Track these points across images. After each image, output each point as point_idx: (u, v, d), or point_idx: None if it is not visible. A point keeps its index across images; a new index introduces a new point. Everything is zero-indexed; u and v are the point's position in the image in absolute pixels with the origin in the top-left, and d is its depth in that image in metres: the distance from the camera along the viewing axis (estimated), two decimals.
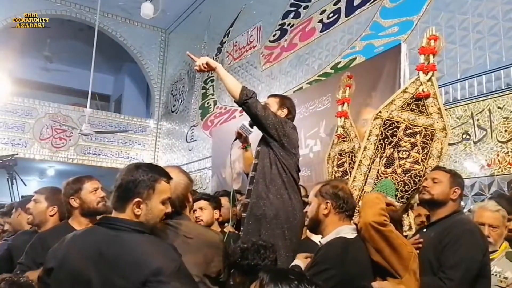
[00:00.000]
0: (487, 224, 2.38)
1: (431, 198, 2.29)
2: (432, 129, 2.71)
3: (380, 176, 2.75)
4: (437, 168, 2.46)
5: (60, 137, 9.00)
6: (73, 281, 1.47)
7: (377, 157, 2.79)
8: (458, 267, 2.02)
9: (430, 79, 2.80)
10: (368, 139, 2.85)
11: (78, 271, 1.47)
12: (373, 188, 2.75)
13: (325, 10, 5.47)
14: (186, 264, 1.61)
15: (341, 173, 3.28)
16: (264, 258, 1.96)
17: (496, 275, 2.26)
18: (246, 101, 2.59)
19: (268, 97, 3.00)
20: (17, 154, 7.05)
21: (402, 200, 2.67)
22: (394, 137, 2.76)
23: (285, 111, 2.89)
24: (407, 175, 2.68)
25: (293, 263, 2.08)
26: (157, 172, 1.63)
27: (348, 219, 2.01)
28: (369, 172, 2.78)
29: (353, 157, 3.24)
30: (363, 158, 2.83)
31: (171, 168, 1.93)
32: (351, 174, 3.06)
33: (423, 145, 2.70)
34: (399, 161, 2.72)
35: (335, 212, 1.98)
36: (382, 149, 2.78)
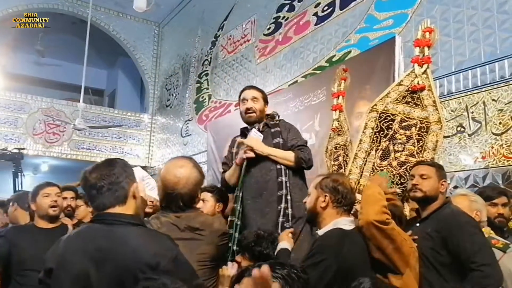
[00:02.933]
0: None
1: (424, 195, 2.28)
2: (427, 122, 2.71)
3: (376, 168, 2.75)
4: (420, 163, 2.44)
5: (54, 132, 8.94)
6: (73, 279, 1.48)
7: (372, 150, 2.78)
8: (482, 251, 2.02)
9: (425, 72, 2.78)
10: (363, 132, 2.84)
11: (77, 269, 1.48)
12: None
13: (319, 3, 5.45)
14: (202, 255, 1.80)
15: (336, 167, 3.28)
16: (272, 248, 1.99)
17: None
18: (301, 165, 2.74)
19: (250, 89, 2.96)
20: (24, 149, 7.07)
21: (411, 196, 2.66)
22: (390, 130, 2.76)
23: (267, 107, 2.95)
24: (402, 167, 2.68)
25: (280, 247, 2.07)
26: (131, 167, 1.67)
27: (346, 213, 2.01)
28: (364, 165, 2.77)
29: (346, 150, 3.25)
30: (359, 151, 2.82)
31: (184, 161, 1.98)
32: (345, 167, 3.07)
33: (418, 137, 2.69)
34: (395, 153, 2.72)
35: (333, 206, 1.98)
36: (378, 142, 2.77)
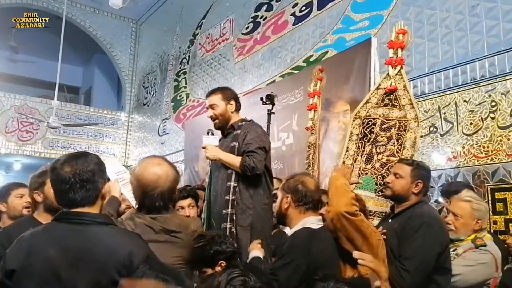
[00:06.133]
0: (452, 211, 2.46)
1: (392, 194, 2.33)
2: (405, 120, 2.77)
3: (361, 173, 2.78)
4: (400, 161, 2.46)
5: (27, 130, 8.73)
6: (40, 281, 1.41)
7: (358, 155, 2.82)
8: (413, 258, 2.05)
9: (399, 73, 2.84)
10: (349, 139, 2.88)
11: (45, 270, 1.41)
12: (355, 186, 2.77)
13: (297, 3, 5.48)
14: (177, 258, 1.76)
15: (307, 165, 3.32)
16: (221, 242, 2.02)
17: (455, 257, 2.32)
18: (246, 172, 2.62)
19: (209, 95, 2.91)
20: None
21: (382, 193, 2.70)
22: (372, 134, 2.81)
23: (233, 103, 2.85)
24: (384, 168, 2.72)
25: (251, 256, 2.09)
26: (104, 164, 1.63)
27: (310, 211, 2.02)
28: (352, 171, 2.80)
29: (315, 149, 3.30)
30: (346, 158, 2.86)
31: (159, 159, 1.94)
32: (313, 165, 3.14)
33: (398, 137, 2.74)
34: (377, 156, 2.77)
35: (295, 206, 2.00)
36: (362, 147, 2.82)
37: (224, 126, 2.86)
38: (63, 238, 1.46)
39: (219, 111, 2.82)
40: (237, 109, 2.87)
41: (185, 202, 2.91)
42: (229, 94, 2.87)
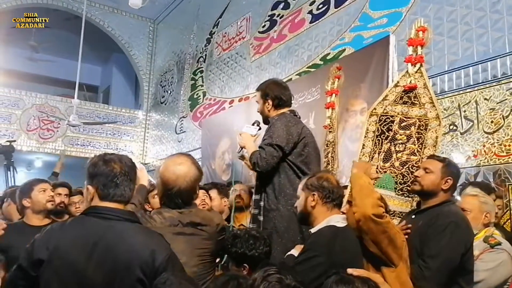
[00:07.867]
0: (460, 208, 2.43)
1: (421, 189, 2.28)
2: (425, 119, 2.74)
3: (379, 171, 2.75)
4: (431, 157, 2.43)
5: (48, 128, 8.90)
6: (67, 272, 1.47)
7: (375, 153, 2.80)
8: (437, 257, 2.03)
9: (418, 70, 2.81)
10: (365, 137, 2.86)
11: (72, 262, 1.47)
12: (374, 184, 2.75)
13: (314, 1, 5.46)
14: (203, 250, 1.86)
15: (325, 163, 3.32)
16: (252, 248, 2.01)
17: None
18: (254, 168, 2.54)
19: (257, 90, 2.85)
20: (15, 141, 7.03)
21: (402, 192, 2.68)
22: (390, 132, 2.77)
23: (270, 102, 2.71)
24: (404, 167, 2.69)
25: (289, 253, 2.09)
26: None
27: (336, 208, 2.02)
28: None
29: (334, 147, 3.30)
30: (362, 156, 2.84)
31: (183, 158, 2.00)
32: (332, 163, 3.13)
33: (418, 135, 2.71)
34: (396, 154, 2.73)
35: (323, 203, 2.00)
36: (380, 144, 2.79)
37: (265, 122, 2.76)
38: (93, 233, 1.51)
39: (259, 109, 2.78)
40: (276, 106, 2.71)
41: (200, 192, 3.00)
42: (267, 92, 2.73)
